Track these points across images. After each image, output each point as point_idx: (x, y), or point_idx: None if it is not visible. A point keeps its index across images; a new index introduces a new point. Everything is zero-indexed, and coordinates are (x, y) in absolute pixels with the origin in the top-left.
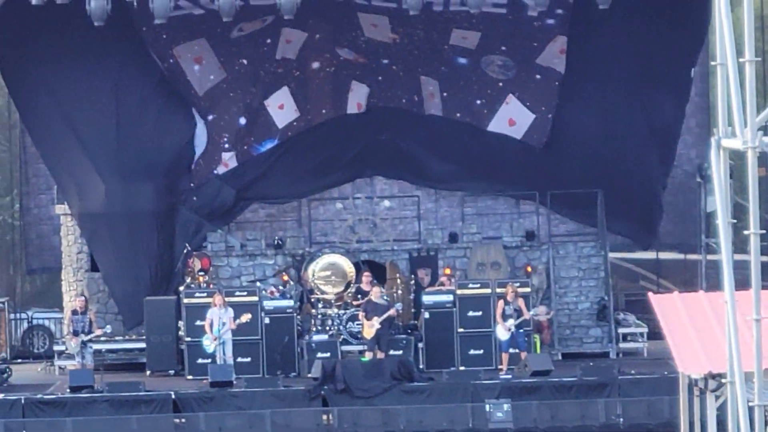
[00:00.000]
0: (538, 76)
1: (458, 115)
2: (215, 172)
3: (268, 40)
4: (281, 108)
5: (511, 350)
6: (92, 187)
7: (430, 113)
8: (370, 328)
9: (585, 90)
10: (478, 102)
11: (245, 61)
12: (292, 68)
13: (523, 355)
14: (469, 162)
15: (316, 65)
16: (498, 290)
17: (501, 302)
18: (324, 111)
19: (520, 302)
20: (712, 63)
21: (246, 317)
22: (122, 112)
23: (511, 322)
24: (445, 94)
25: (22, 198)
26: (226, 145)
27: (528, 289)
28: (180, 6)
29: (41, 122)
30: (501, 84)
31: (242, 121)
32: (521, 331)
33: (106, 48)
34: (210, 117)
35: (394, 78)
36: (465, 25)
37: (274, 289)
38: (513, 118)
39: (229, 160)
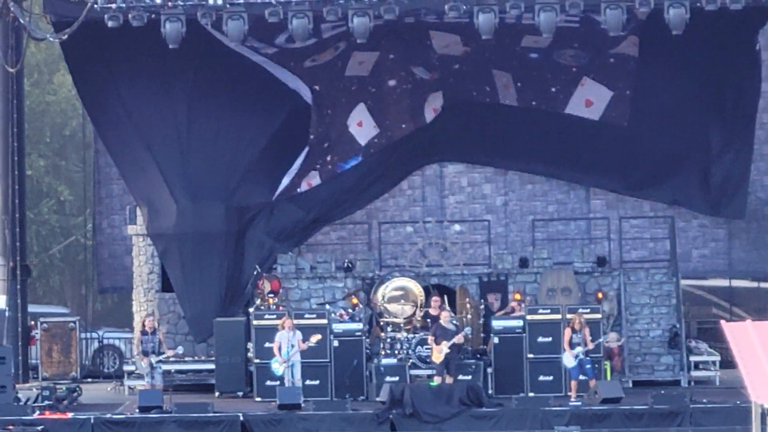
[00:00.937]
0: (612, 60)
1: (533, 103)
2: (298, 190)
3: (339, 63)
4: (360, 125)
5: (581, 377)
6: (165, 207)
7: (505, 103)
8: (439, 353)
9: (659, 72)
10: (553, 89)
11: (317, 87)
12: (367, 85)
13: (592, 382)
14: (544, 145)
15: (392, 83)
16: (569, 316)
17: (568, 330)
18: (404, 126)
19: (586, 332)
20: None
21: (316, 338)
22: (195, 132)
23: (578, 349)
24: (519, 84)
25: (95, 218)
26: (318, 166)
27: (599, 316)
28: (256, 49)
29: (118, 141)
30: (575, 69)
31: (325, 144)
32: (588, 358)
33: (179, 69)
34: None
35: (465, 75)
36: (536, 32)
37: (343, 312)
38: (590, 98)
39: (312, 179)
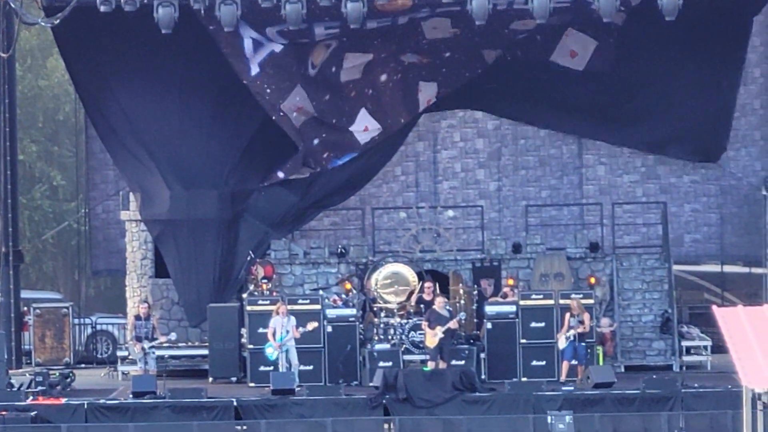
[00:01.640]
0: (595, 16)
1: (519, 53)
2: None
3: (333, 69)
4: (366, 130)
5: (574, 362)
6: (158, 193)
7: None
8: (433, 337)
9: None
10: (538, 37)
11: (328, 97)
12: (363, 87)
13: (581, 369)
14: (531, 92)
15: (383, 77)
16: (561, 302)
17: (567, 315)
18: (402, 120)
19: (585, 316)
20: None
21: (312, 325)
22: (187, 119)
23: (571, 332)
24: (509, 58)
25: (90, 202)
26: (310, 162)
27: (591, 301)
28: (260, 42)
29: (110, 128)
30: (559, 24)
31: (315, 141)
32: (583, 344)
33: (172, 55)
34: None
35: (456, 63)
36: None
37: (336, 298)
38: (574, 49)
39: (302, 173)
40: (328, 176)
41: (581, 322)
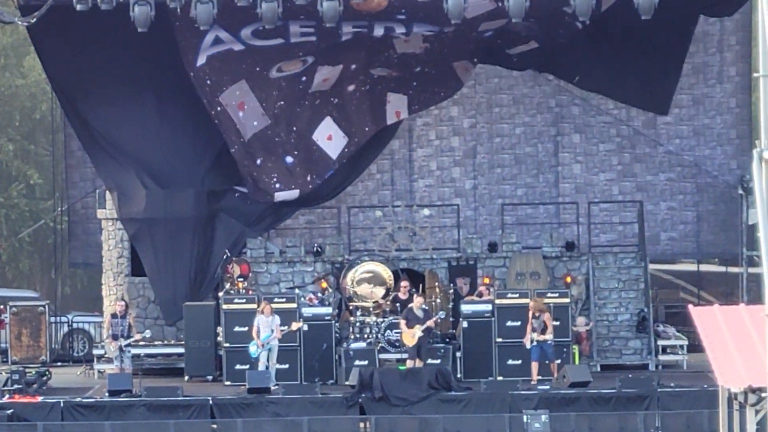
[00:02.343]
0: (561, 31)
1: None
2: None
3: (304, 78)
4: (330, 139)
5: (547, 361)
6: (134, 192)
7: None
8: (412, 336)
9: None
10: (499, 41)
11: (282, 102)
12: (329, 96)
13: (553, 365)
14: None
15: (351, 88)
16: (520, 301)
17: (530, 314)
18: (367, 129)
19: (546, 317)
20: (755, 75)
21: (297, 325)
22: (163, 119)
23: (533, 335)
24: (475, 59)
25: (68, 199)
26: (277, 185)
27: (567, 300)
28: (221, 40)
29: (85, 126)
30: (524, 34)
31: (288, 159)
32: (549, 342)
33: (147, 55)
34: (258, 161)
35: (428, 79)
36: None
37: (312, 296)
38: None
39: (288, 197)
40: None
41: (545, 325)
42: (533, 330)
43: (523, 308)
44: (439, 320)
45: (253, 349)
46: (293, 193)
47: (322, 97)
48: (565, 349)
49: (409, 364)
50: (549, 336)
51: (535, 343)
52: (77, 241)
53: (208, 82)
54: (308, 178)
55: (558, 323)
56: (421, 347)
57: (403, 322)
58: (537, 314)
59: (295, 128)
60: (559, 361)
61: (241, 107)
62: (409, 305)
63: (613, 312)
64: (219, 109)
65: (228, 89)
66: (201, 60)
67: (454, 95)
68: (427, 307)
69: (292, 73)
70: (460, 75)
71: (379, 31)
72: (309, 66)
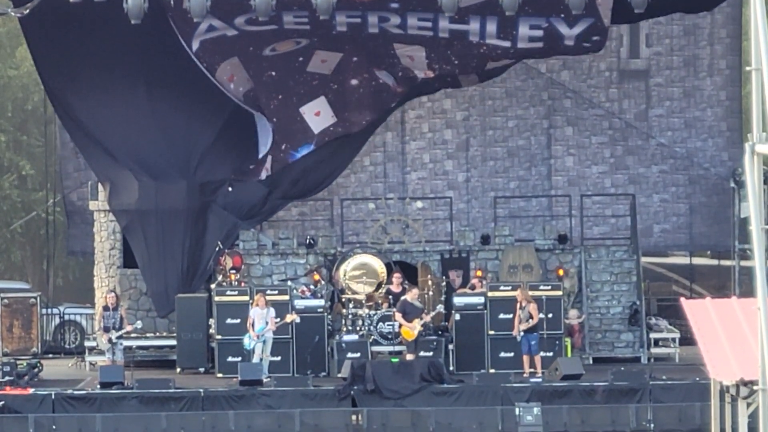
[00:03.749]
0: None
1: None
2: (260, 177)
3: (301, 58)
4: (317, 115)
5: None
6: (126, 184)
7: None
8: (412, 330)
9: None
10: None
11: (273, 73)
12: (329, 81)
13: (537, 359)
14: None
15: (354, 82)
16: (530, 293)
17: (517, 306)
18: (364, 122)
19: (532, 307)
20: (747, 68)
21: (291, 317)
22: (154, 111)
23: (521, 326)
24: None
25: (64, 191)
26: (273, 154)
27: (559, 293)
28: (215, 27)
29: (76, 119)
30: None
31: (277, 134)
32: (535, 334)
33: (139, 48)
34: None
35: (429, 88)
36: (502, 60)
37: (305, 289)
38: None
39: (269, 165)
40: (295, 170)
41: (530, 315)
42: (519, 321)
43: (516, 301)
44: (441, 313)
45: (247, 341)
46: (268, 160)
47: (321, 80)
48: (557, 342)
49: (409, 357)
50: (533, 322)
51: (523, 334)
52: (76, 229)
53: (204, 65)
54: (282, 147)
55: (550, 316)
56: (418, 340)
57: (399, 315)
58: (523, 304)
59: (280, 96)
60: (551, 354)
61: (231, 79)
62: (404, 298)
63: (606, 305)
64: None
65: (220, 67)
66: (195, 45)
67: (449, 88)
68: (419, 299)
69: (286, 51)
70: (462, 82)
71: (373, 20)
72: (304, 47)
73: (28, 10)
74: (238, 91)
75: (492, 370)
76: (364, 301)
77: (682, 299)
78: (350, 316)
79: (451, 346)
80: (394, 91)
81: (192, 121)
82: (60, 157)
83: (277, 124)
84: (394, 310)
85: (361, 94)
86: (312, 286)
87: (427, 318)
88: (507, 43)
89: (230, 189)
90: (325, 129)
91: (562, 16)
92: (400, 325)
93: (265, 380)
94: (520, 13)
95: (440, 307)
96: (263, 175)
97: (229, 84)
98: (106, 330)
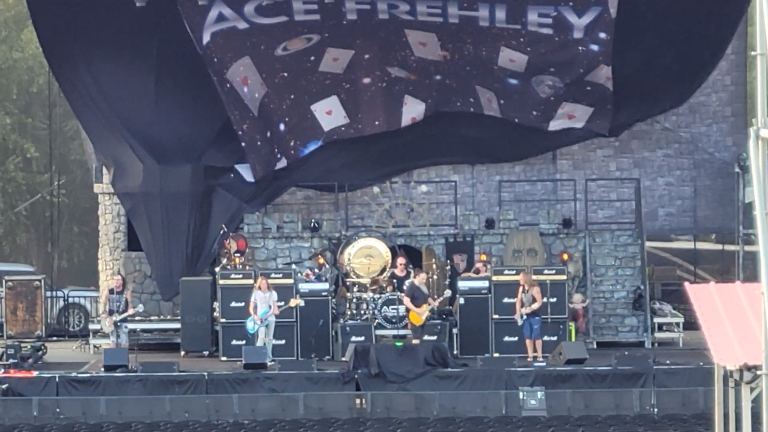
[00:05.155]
0: (588, 88)
1: (516, 120)
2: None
3: (312, 57)
4: (329, 113)
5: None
6: (131, 167)
7: (489, 114)
8: (420, 315)
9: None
10: (534, 112)
11: (286, 74)
12: (341, 81)
13: (538, 343)
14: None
15: (366, 80)
16: (534, 278)
17: (520, 290)
18: (377, 123)
19: (534, 291)
20: (752, 53)
21: (295, 302)
22: (160, 93)
23: (522, 310)
24: (502, 102)
25: (70, 175)
26: (279, 156)
27: (564, 277)
28: (225, 16)
29: (82, 100)
30: (553, 98)
31: (281, 127)
32: (537, 318)
33: (145, 29)
34: (268, 134)
35: (448, 89)
36: (513, 43)
37: (309, 272)
38: (572, 114)
39: (280, 163)
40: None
41: (533, 299)
42: (522, 305)
43: (520, 285)
44: (448, 298)
45: (250, 325)
46: (284, 162)
47: (334, 79)
48: (561, 326)
49: (415, 342)
50: (535, 306)
51: (525, 318)
52: (79, 211)
53: (215, 60)
54: (291, 144)
55: (554, 300)
56: (424, 325)
57: (407, 300)
58: (527, 288)
59: (292, 96)
60: (555, 339)
61: (245, 81)
62: (412, 282)
63: (610, 289)
64: (228, 86)
65: (233, 66)
66: (206, 38)
67: (470, 109)
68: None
69: (298, 50)
70: (482, 102)
71: (382, 6)
72: (316, 44)
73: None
74: (254, 98)
75: (496, 354)
76: (368, 285)
77: (686, 284)
78: (354, 300)
79: (455, 330)
80: (408, 80)
81: (198, 106)
82: (67, 140)
83: (288, 123)
84: (402, 294)
85: (374, 92)
86: (316, 270)
87: (435, 303)
88: (517, 26)
89: (232, 176)
90: (335, 128)
91: (571, 4)
92: (408, 310)
93: (269, 364)
94: (528, 1)
95: (448, 293)
96: (279, 166)
97: (243, 87)
98: (111, 313)
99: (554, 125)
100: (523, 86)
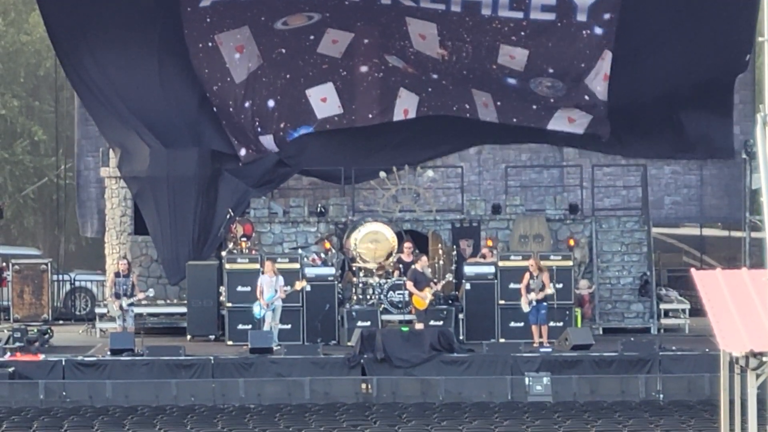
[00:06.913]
0: (586, 97)
1: (515, 120)
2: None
3: (312, 37)
4: (324, 101)
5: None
6: (138, 151)
7: (486, 120)
8: (423, 299)
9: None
10: (534, 106)
11: (284, 50)
12: (338, 67)
13: (544, 328)
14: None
15: (363, 69)
16: (523, 263)
17: (527, 275)
18: (370, 116)
19: (544, 277)
20: (760, 39)
21: (301, 284)
22: (165, 78)
23: (532, 295)
24: (498, 103)
25: (75, 159)
26: (259, 129)
27: (570, 263)
28: None
29: (87, 85)
30: (552, 100)
31: (270, 103)
32: (544, 304)
33: (148, 13)
34: (246, 104)
35: (443, 90)
36: (513, 38)
37: (315, 257)
38: (572, 117)
39: (267, 144)
40: (294, 148)
41: (543, 285)
42: (531, 290)
43: (526, 271)
44: (450, 282)
45: (257, 309)
46: (268, 139)
47: (331, 64)
48: (567, 312)
49: (419, 327)
50: (549, 291)
51: (534, 303)
52: (84, 208)
53: (208, 20)
54: (281, 125)
55: (561, 286)
56: (427, 310)
57: (410, 284)
58: (536, 274)
59: (288, 76)
60: (561, 324)
61: (239, 49)
62: (414, 267)
63: (616, 275)
64: (210, 45)
65: (228, 31)
66: (205, 2)
67: (466, 115)
68: (428, 268)
69: (298, 27)
70: (477, 104)
71: (386, 0)
72: (316, 23)
73: None
74: (244, 66)
75: (502, 340)
76: (374, 270)
77: (693, 270)
78: (360, 285)
79: (461, 316)
80: (404, 72)
81: (202, 90)
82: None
83: (280, 102)
84: (405, 279)
85: (370, 82)
86: (323, 255)
87: (438, 287)
88: (519, 14)
89: (240, 164)
90: (329, 117)
91: None
92: (411, 294)
93: (275, 348)
94: None
95: (449, 276)
96: (262, 142)
97: (235, 53)
98: (117, 297)
99: (553, 125)
100: (521, 86)
